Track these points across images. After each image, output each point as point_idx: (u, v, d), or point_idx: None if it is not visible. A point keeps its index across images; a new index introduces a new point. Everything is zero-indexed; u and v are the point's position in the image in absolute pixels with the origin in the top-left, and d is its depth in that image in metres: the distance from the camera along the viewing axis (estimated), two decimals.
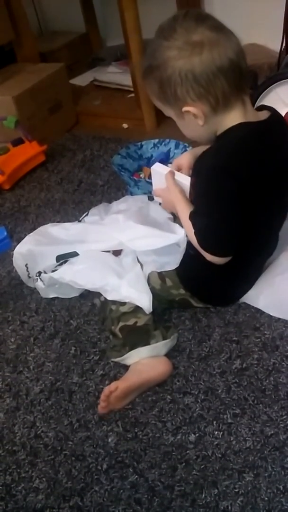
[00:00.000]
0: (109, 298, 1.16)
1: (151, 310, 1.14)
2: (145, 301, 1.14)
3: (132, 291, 1.15)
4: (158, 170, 1.20)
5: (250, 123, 1.00)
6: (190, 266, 1.14)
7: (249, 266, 1.19)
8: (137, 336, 1.11)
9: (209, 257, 1.06)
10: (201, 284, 1.19)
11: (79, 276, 1.22)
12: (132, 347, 1.10)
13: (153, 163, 1.23)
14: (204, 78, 0.92)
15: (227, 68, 0.92)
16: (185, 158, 1.20)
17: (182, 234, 1.14)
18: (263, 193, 1.04)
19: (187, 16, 0.94)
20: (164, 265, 1.17)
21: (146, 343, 1.10)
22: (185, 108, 0.98)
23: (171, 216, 1.27)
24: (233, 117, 0.99)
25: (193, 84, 0.93)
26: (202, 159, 1.08)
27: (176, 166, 1.20)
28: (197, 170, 1.10)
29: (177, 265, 1.15)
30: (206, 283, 1.18)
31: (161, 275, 1.17)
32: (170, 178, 1.14)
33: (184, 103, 0.97)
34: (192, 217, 1.07)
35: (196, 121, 0.99)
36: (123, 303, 1.14)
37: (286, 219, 1.34)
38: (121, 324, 1.13)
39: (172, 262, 1.16)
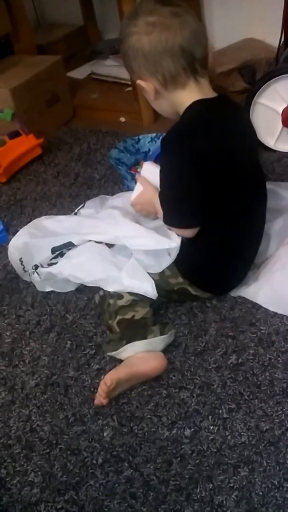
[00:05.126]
0: (110, 289, 1.15)
1: (156, 295, 1.13)
2: (148, 288, 1.14)
3: (133, 281, 1.14)
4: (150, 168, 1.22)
5: (207, 99, 1.05)
6: (186, 252, 1.13)
7: (241, 246, 1.19)
8: (134, 330, 1.11)
9: (176, 231, 1.11)
10: (198, 269, 1.18)
11: (78, 270, 1.21)
12: (129, 341, 1.10)
13: (151, 158, 1.23)
14: (152, 57, 1.01)
15: (175, 51, 0.99)
16: None
17: (177, 242, 1.13)
18: (229, 166, 1.06)
19: None
20: (148, 267, 1.16)
21: (143, 337, 1.10)
22: (138, 82, 1.06)
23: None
24: (188, 94, 1.04)
25: (143, 61, 1.02)
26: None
27: None
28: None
29: (160, 271, 1.15)
30: (203, 268, 1.18)
31: None
32: (141, 178, 1.22)
33: (139, 77, 1.06)
34: (159, 195, 1.11)
35: (149, 95, 1.06)
36: (121, 297, 1.13)
37: (281, 214, 1.34)
38: (118, 317, 1.12)
39: (157, 266, 1.15)
